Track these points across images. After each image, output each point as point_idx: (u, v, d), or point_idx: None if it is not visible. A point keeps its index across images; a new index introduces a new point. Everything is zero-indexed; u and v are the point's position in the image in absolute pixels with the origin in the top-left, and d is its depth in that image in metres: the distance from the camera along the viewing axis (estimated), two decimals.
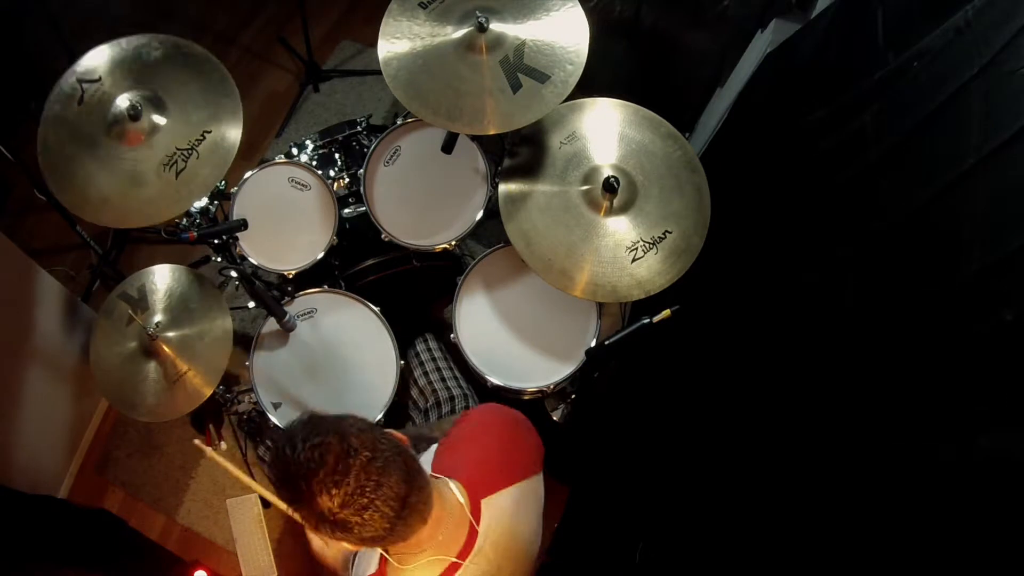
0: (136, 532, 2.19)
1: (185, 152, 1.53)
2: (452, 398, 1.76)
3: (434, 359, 1.87)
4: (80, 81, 1.55)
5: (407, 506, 0.92)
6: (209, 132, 1.55)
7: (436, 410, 1.80)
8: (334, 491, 0.88)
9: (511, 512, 1.10)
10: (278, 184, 1.86)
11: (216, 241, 1.74)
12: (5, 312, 1.92)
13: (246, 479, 1.26)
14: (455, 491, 1.05)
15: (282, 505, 1.19)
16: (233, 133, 1.56)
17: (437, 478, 1.06)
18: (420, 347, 1.91)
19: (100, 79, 1.56)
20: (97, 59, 1.58)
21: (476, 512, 1.06)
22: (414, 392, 1.85)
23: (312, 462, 0.88)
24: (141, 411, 1.66)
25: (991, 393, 0.87)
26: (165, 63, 1.60)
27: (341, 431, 0.91)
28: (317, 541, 1.22)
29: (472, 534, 1.04)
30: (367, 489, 0.88)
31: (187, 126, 1.56)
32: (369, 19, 3.23)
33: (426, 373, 1.83)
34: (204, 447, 1.28)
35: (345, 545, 0.96)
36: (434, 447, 1.20)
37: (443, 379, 1.81)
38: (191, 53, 1.61)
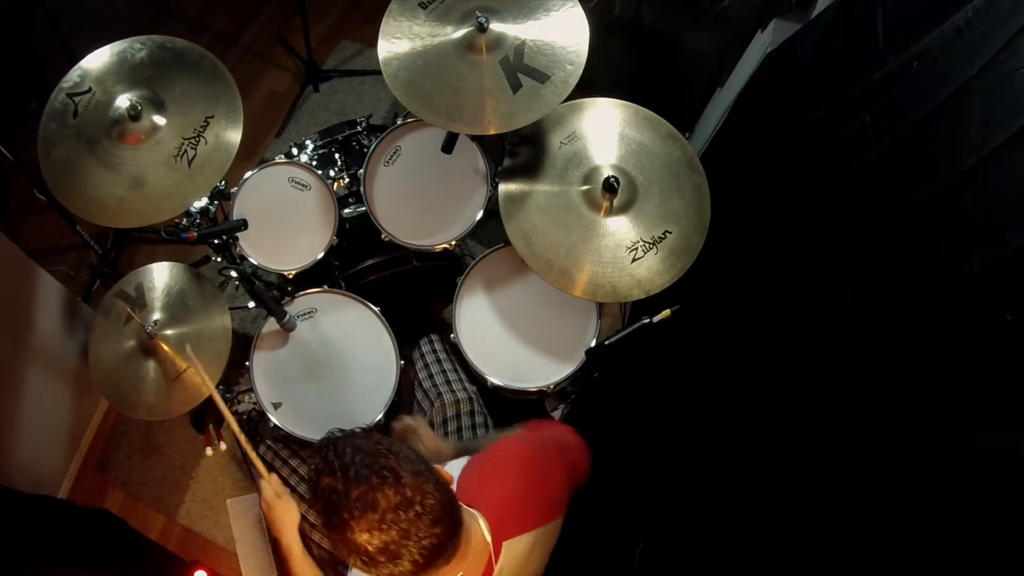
0: (136, 532, 2.18)
1: (192, 140, 1.55)
2: (457, 401, 1.75)
3: (439, 360, 1.86)
4: (70, 95, 1.57)
5: (440, 555, 0.94)
6: (212, 117, 1.57)
7: (440, 413, 1.78)
8: (376, 534, 0.89)
9: (526, 555, 1.12)
10: (278, 184, 1.86)
11: (216, 241, 1.74)
12: (5, 312, 1.92)
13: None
14: (483, 530, 1.05)
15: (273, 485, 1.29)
16: (234, 119, 1.58)
17: (467, 510, 1.06)
18: (425, 348, 1.90)
19: (91, 89, 1.57)
20: (81, 71, 1.60)
21: (496, 552, 1.07)
22: (419, 394, 1.84)
23: (362, 503, 0.89)
24: (140, 410, 1.66)
25: (991, 392, 0.88)
26: (152, 62, 1.62)
27: (397, 474, 0.91)
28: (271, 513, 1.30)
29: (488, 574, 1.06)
30: (409, 542, 0.90)
31: (188, 116, 1.57)
32: (369, 19, 3.24)
33: (431, 376, 1.83)
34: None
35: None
36: (466, 459, 1.20)
37: (448, 382, 1.80)
38: (175, 48, 1.63)
